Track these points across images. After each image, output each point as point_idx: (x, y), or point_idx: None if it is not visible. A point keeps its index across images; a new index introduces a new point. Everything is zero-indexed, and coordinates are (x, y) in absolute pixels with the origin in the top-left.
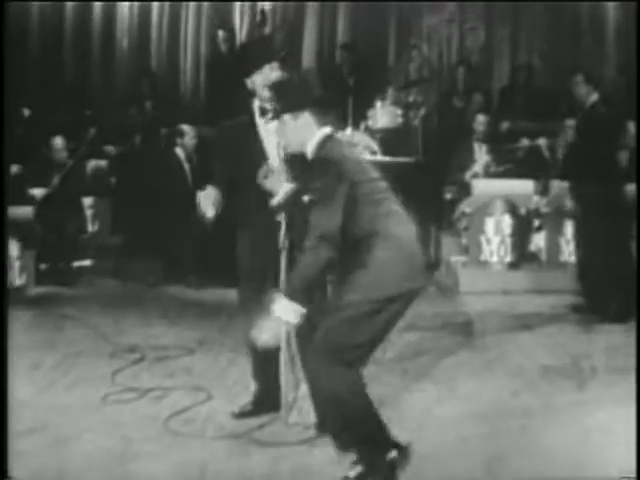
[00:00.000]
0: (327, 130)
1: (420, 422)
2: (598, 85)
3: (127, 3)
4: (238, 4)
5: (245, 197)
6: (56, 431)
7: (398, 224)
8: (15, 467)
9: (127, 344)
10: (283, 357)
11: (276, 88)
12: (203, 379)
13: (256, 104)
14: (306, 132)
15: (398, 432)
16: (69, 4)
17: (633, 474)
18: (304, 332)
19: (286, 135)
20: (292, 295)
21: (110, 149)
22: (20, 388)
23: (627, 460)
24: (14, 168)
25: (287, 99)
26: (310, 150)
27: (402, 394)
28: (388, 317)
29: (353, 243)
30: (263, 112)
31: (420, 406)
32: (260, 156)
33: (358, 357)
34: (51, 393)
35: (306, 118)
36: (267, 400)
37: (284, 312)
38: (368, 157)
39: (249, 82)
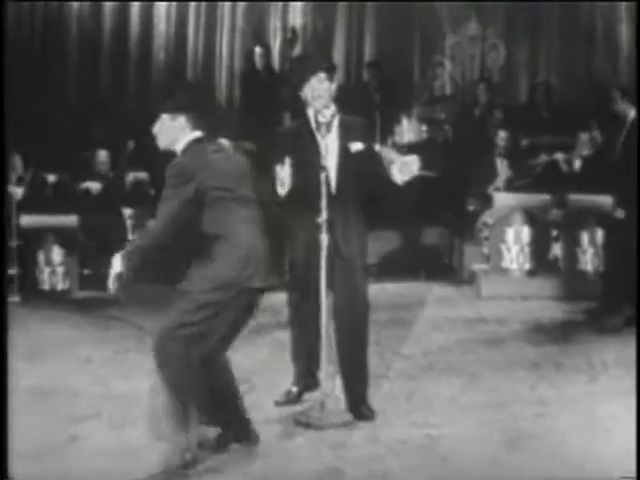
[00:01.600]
0: (197, 134)
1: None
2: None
3: (164, 18)
4: (270, 21)
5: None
6: (111, 417)
7: (241, 228)
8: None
9: None
10: (324, 348)
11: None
12: (245, 372)
13: (310, 112)
14: (178, 133)
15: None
16: (107, 17)
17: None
18: None
19: (160, 132)
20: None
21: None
22: (73, 379)
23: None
24: (51, 177)
25: (168, 101)
26: (178, 149)
27: (429, 386)
28: (218, 309)
29: (200, 240)
30: (316, 120)
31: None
32: (316, 159)
33: (189, 336)
34: (104, 384)
35: (181, 121)
36: (307, 382)
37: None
38: None
39: (302, 94)
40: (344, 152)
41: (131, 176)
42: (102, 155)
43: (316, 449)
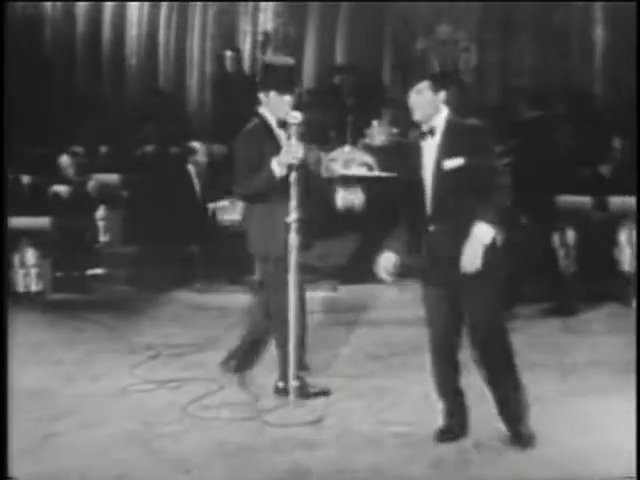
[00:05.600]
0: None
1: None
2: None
3: (136, 23)
4: (241, 25)
5: None
6: (83, 417)
7: None
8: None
9: (143, 343)
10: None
11: None
12: (214, 372)
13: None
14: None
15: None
16: (80, 21)
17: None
18: None
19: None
20: None
21: (124, 161)
22: (46, 380)
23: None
24: (26, 179)
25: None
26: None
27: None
28: None
29: None
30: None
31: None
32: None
33: None
34: (76, 384)
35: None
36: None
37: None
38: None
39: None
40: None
41: (101, 178)
42: (65, 161)
43: (283, 447)
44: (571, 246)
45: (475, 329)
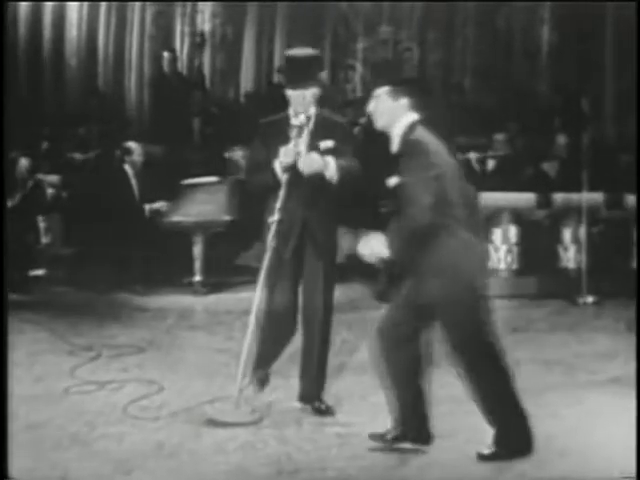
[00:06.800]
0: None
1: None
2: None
3: (75, 23)
4: (178, 26)
5: None
6: (25, 418)
7: None
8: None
9: (83, 344)
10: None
11: None
12: (154, 374)
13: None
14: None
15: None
16: (21, 22)
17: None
18: None
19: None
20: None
21: (62, 163)
22: None
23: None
24: None
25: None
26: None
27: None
28: None
29: None
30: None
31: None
32: None
33: None
34: (17, 386)
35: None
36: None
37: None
38: None
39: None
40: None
41: (42, 179)
42: (24, 164)
43: (224, 448)
44: (513, 243)
45: None
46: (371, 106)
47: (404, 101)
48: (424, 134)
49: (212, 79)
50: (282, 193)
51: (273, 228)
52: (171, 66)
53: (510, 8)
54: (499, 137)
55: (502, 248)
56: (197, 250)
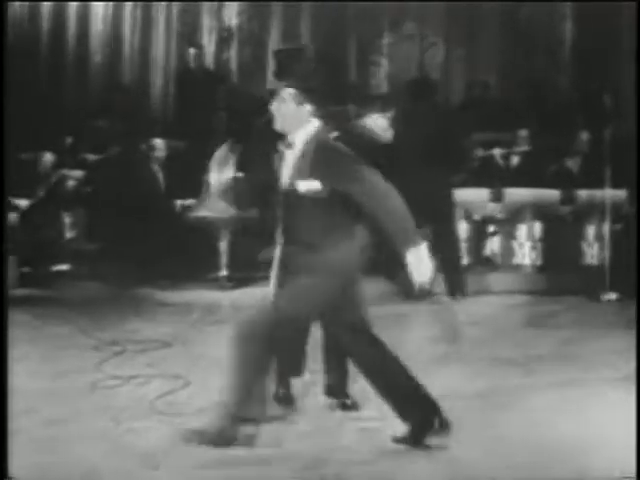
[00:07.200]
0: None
1: None
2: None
3: (101, 19)
4: (206, 21)
5: None
6: (48, 413)
7: None
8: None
9: (108, 339)
10: None
11: None
12: (180, 368)
13: None
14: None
15: None
16: (44, 18)
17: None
18: None
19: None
20: None
21: (87, 158)
22: (10, 377)
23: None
24: None
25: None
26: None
27: None
28: None
29: None
30: None
31: None
32: None
33: None
34: (41, 381)
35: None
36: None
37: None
38: None
39: None
40: None
41: (67, 175)
42: (48, 159)
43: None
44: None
45: None
46: (274, 106)
47: (308, 107)
48: (330, 140)
49: (238, 74)
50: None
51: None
52: (197, 61)
53: (532, 4)
54: (522, 133)
55: (526, 244)
56: (223, 245)
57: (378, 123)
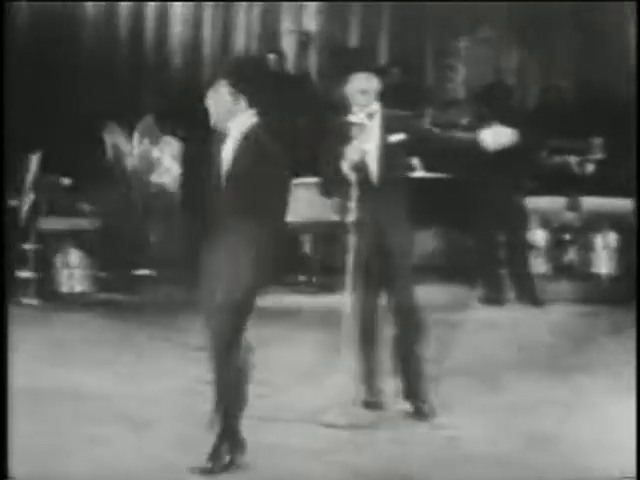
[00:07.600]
0: None
1: None
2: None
3: (179, 20)
4: (285, 26)
5: None
6: (135, 419)
7: None
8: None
9: (195, 344)
10: None
11: None
12: (265, 374)
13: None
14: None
15: None
16: (122, 20)
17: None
18: None
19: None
20: None
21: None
22: (97, 381)
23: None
24: (65, 181)
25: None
26: None
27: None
28: None
29: None
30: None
31: None
32: None
33: None
34: (130, 385)
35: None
36: None
37: None
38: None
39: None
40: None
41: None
42: None
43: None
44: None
45: None
46: (209, 99)
47: (243, 101)
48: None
49: (318, 78)
50: (354, 193)
51: (353, 229)
52: (277, 66)
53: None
54: (597, 141)
55: (602, 254)
56: (306, 250)
57: (500, 132)
